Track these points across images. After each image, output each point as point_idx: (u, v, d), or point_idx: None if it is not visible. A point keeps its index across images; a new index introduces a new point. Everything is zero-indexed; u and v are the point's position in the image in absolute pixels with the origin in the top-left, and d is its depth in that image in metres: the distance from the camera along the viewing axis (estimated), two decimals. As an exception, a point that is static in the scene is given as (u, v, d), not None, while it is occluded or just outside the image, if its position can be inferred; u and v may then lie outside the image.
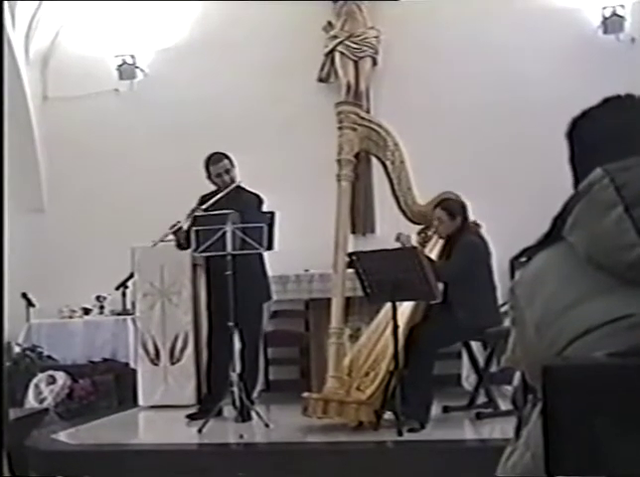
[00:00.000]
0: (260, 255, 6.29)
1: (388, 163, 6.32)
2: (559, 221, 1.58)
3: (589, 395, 1.33)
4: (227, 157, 6.44)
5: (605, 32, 7.80)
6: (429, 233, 6.39)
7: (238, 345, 6.29)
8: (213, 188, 6.49)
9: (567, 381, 1.35)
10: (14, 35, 8.31)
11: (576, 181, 1.69)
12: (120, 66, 8.63)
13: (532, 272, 1.61)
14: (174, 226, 6.31)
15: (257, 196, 6.41)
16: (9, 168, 8.55)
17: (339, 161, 6.20)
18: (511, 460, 1.64)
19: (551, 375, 1.35)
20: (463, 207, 6.12)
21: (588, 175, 1.55)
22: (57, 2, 8.59)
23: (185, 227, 6.32)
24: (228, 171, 6.41)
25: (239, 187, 6.40)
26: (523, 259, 1.64)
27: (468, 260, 5.86)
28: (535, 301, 1.57)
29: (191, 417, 6.33)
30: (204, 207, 6.31)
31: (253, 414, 6.02)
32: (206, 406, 6.26)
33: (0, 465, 4.27)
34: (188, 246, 6.42)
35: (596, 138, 1.70)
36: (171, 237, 6.44)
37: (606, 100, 1.74)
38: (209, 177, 6.48)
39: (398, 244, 5.97)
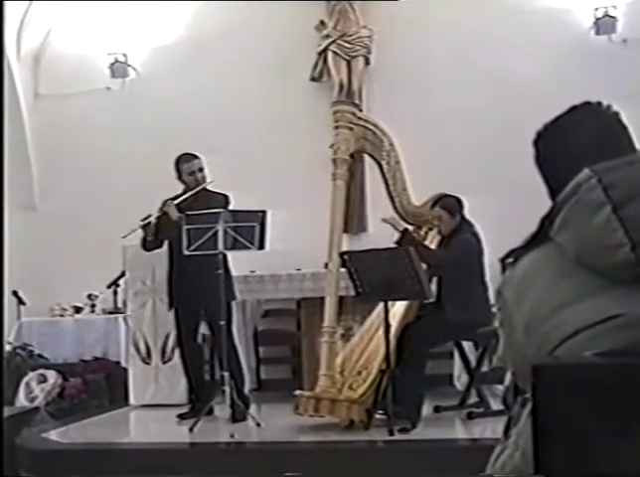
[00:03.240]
0: (224, 256, 6.24)
1: (383, 163, 6.33)
2: (546, 221, 1.59)
3: (579, 394, 1.33)
4: (197, 157, 6.42)
5: (597, 33, 7.81)
6: (421, 232, 6.40)
7: (224, 343, 6.26)
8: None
9: (557, 380, 1.35)
10: (5, 32, 8.28)
11: (552, 193, 1.69)
12: (112, 64, 8.62)
13: (519, 274, 1.62)
14: (145, 218, 6.27)
15: (225, 196, 6.37)
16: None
17: (334, 160, 6.20)
18: (500, 459, 1.64)
19: (540, 375, 1.35)
20: (460, 204, 6.12)
21: (563, 187, 1.56)
22: (48, 1, 8.57)
23: (153, 221, 6.30)
24: (201, 169, 6.39)
25: (205, 189, 6.38)
26: (510, 260, 1.65)
27: (460, 256, 5.87)
28: (523, 302, 1.57)
29: (181, 417, 6.32)
30: (176, 202, 6.27)
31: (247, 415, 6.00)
32: (196, 406, 6.25)
33: (0, 464, 4.26)
34: (154, 244, 6.43)
35: (563, 151, 1.71)
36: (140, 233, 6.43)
37: (562, 115, 1.76)
38: (179, 177, 6.44)
39: (389, 244, 5.97)
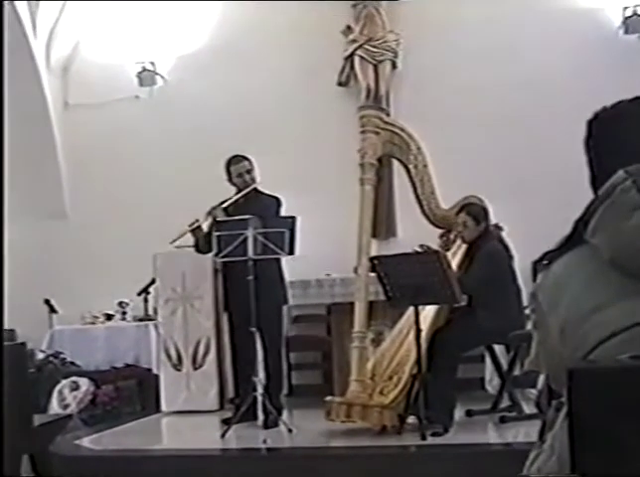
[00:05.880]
0: (278, 260, 6.28)
1: (411, 167, 6.32)
2: (580, 224, 1.57)
3: (615, 398, 1.31)
4: (247, 159, 6.46)
5: (626, 32, 7.76)
6: (451, 236, 6.38)
7: (260, 349, 6.27)
8: (232, 193, 6.49)
9: (593, 384, 1.33)
10: (35, 43, 8.37)
11: (593, 179, 1.67)
12: (140, 72, 8.67)
13: (554, 276, 1.60)
14: (192, 223, 6.34)
15: (277, 198, 6.40)
16: (30, 175, 8.66)
17: (362, 165, 6.19)
18: (535, 464, 1.62)
19: (576, 378, 1.33)
20: (486, 212, 6.11)
21: (607, 174, 1.54)
22: (78, 10, 8.64)
23: (204, 225, 6.37)
24: (249, 171, 6.42)
25: (257, 191, 6.42)
26: (544, 263, 1.62)
27: (489, 270, 5.84)
28: (558, 305, 1.55)
29: (226, 422, 6.12)
30: (224, 206, 6.32)
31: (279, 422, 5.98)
32: (241, 410, 6.04)
33: (0, 465, 4.29)
34: (206, 249, 6.44)
35: (615, 138, 1.67)
36: (190, 239, 6.47)
37: (625, 101, 1.72)
38: (229, 179, 6.48)
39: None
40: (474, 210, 6.10)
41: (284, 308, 6.57)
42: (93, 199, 8.76)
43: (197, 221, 6.36)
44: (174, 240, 6.35)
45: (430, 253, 5.72)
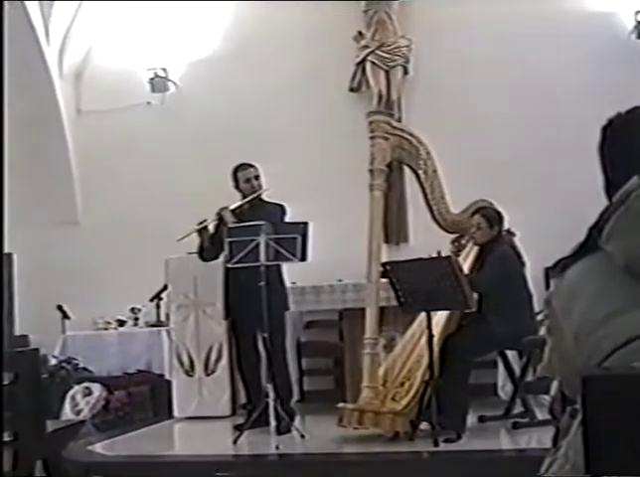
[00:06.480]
0: (279, 266, 6.28)
1: (420, 172, 6.31)
2: (594, 231, 1.56)
3: (630, 405, 1.31)
4: (253, 166, 6.51)
5: (639, 36, 7.73)
6: (463, 241, 6.37)
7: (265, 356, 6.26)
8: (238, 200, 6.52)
9: (608, 391, 1.33)
10: (48, 49, 8.39)
11: (608, 186, 1.66)
12: (152, 79, 8.68)
13: (568, 283, 1.59)
14: (201, 223, 6.37)
15: (281, 206, 6.43)
16: (43, 181, 8.69)
17: (371, 171, 6.19)
18: (550, 471, 1.62)
19: (590, 385, 1.33)
20: (500, 216, 6.10)
21: (621, 181, 1.53)
22: (90, 17, 8.67)
23: (210, 226, 6.39)
24: (257, 177, 6.46)
25: (261, 199, 6.45)
26: (558, 269, 1.62)
27: (501, 272, 5.83)
28: (572, 312, 1.55)
29: (238, 428, 6.11)
30: (232, 208, 6.36)
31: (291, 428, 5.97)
32: (253, 416, 6.00)
33: (0, 464, 4.30)
34: (210, 254, 6.50)
35: (629, 145, 1.67)
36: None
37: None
38: (236, 186, 6.51)
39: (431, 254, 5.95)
40: (489, 213, 6.09)
41: (287, 314, 6.58)
42: (106, 205, 8.78)
43: (205, 220, 6.40)
44: (181, 238, 6.39)
45: (442, 259, 5.71)
